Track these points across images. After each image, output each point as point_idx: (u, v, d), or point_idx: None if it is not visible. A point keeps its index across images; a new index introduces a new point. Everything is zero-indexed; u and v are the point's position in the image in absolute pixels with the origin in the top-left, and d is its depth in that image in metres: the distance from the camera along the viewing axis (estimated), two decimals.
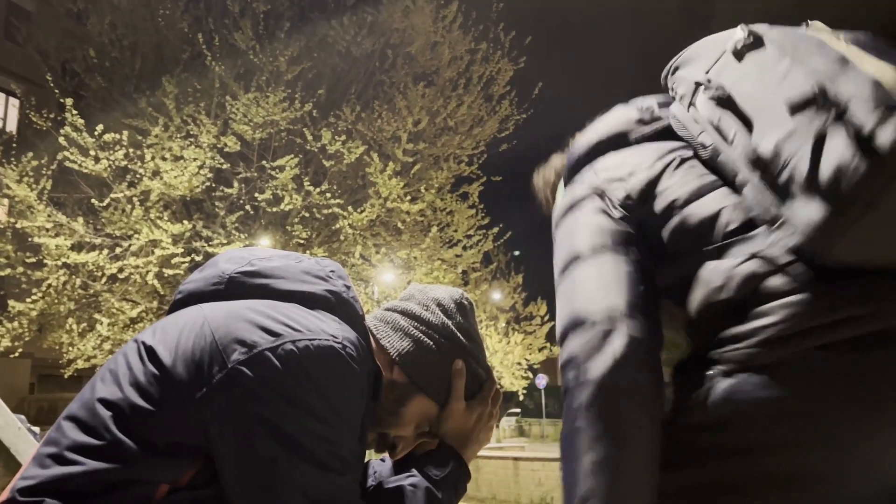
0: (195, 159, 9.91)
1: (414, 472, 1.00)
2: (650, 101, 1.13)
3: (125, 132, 9.51)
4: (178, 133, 10.16)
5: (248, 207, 10.71)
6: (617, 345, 0.86)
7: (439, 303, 1.08)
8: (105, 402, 0.85)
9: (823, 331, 0.82)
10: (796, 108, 0.83)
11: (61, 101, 9.37)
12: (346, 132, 11.05)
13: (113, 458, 0.81)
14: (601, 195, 1.02)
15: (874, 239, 0.80)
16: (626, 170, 1.03)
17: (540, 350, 23.38)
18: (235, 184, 10.52)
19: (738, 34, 0.93)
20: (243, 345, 0.85)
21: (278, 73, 10.83)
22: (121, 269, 9.98)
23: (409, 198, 11.33)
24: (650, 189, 0.99)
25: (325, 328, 0.89)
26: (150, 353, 0.88)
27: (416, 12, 12.12)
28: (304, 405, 0.83)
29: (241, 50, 10.86)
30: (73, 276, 10.23)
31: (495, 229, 12.95)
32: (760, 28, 0.94)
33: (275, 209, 10.64)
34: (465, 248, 12.82)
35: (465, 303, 1.10)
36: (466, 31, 12.41)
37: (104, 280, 10.31)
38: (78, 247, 9.97)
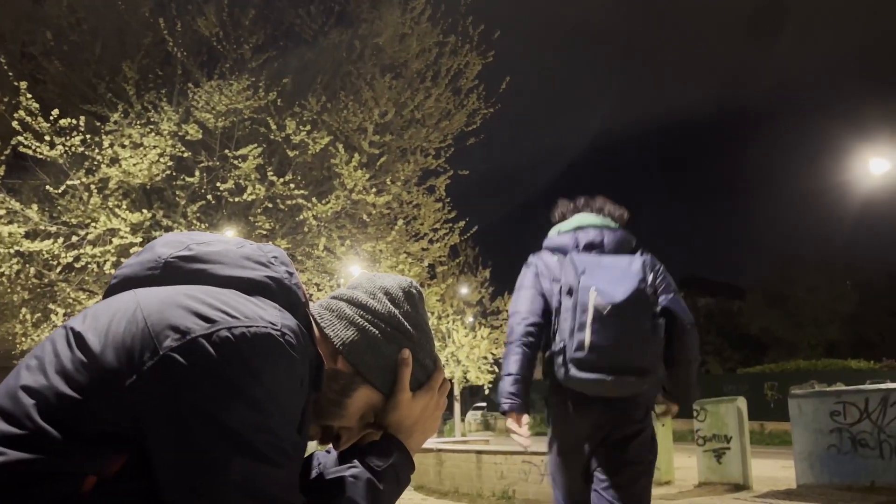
0: (155, 147, 9.71)
1: (356, 462, 0.97)
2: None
3: (82, 118, 9.25)
4: (137, 120, 9.93)
5: (209, 197, 10.52)
6: (519, 325, 2.66)
7: (387, 291, 1.05)
8: (28, 390, 0.81)
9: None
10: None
11: (16, 84, 9.08)
12: (312, 122, 10.92)
13: (36, 448, 0.77)
14: (537, 267, 2.74)
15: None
16: (546, 266, 2.74)
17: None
18: (197, 173, 10.33)
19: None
20: (176, 331, 0.81)
21: (242, 61, 10.67)
22: (77, 259, 9.73)
23: (374, 190, 11.26)
24: (550, 277, 2.70)
25: (264, 315, 0.86)
26: (79, 339, 0.84)
27: (384, 3, 12.04)
28: (240, 394, 0.80)
29: (204, 36, 10.66)
30: (27, 265, 9.95)
31: (462, 223, 12.97)
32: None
33: (237, 199, 10.48)
34: (431, 241, 12.80)
35: (414, 292, 1.07)
36: (435, 24, 12.37)
37: (60, 269, 10.05)
38: (32, 234, 9.69)
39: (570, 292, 2.50)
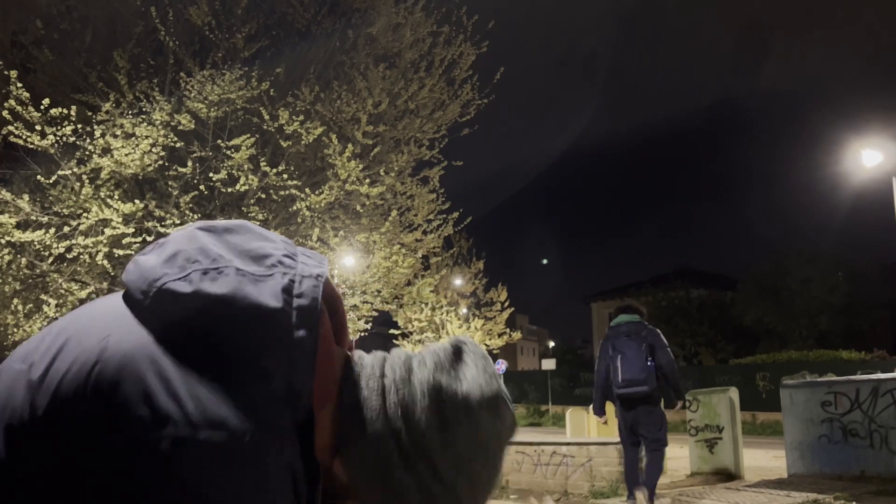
0: (147, 137, 9.64)
1: None
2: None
3: (74, 107, 9.18)
4: (129, 110, 9.85)
5: (202, 188, 10.46)
6: (599, 378, 6.91)
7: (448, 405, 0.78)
8: None
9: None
10: None
11: (5, 73, 8.99)
12: (305, 112, 10.86)
13: None
14: (603, 345, 6.93)
15: None
16: (607, 343, 6.90)
17: (500, 336, 23.59)
18: (189, 163, 10.26)
19: None
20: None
21: (235, 51, 10.59)
22: (69, 249, 9.68)
23: (368, 181, 11.23)
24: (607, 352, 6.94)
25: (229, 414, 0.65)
26: (32, 387, 0.67)
27: None
28: None
29: (196, 26, 10.57)
30: (19, 256, 9.88)
31: (455, 214, 12.96)
32: None
33: (230, 190, 10.43)
34: (425, 232, 12.80)
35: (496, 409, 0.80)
36: (429, 14, 12.29)
37: (52, 260, 10.00)
38: (24, 225, 9.63)
39: (611, 356, 6.59)
